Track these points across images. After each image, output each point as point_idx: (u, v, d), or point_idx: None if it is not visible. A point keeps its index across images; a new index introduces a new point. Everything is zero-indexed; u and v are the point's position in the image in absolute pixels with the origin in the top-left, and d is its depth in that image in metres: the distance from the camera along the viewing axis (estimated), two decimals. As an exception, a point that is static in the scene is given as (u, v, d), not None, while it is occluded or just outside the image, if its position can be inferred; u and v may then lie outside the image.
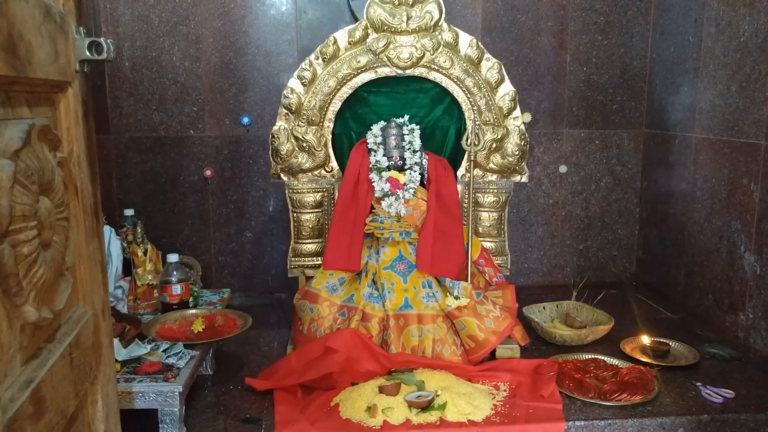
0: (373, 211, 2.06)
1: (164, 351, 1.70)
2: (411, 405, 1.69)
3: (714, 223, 2.36)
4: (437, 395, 1.72)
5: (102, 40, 1.16)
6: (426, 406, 1.68)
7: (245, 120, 2.64)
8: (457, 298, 1.92)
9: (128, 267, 2.25)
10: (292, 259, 2.19)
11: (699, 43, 2.42)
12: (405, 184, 2.02)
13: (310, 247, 2.20)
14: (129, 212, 2.40)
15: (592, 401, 1.78)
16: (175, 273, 2.04)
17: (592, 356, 2.04)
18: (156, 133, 2.63)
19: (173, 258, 2.05)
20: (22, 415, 0.83)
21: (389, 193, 2.01)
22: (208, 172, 2.66)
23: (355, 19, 2.56)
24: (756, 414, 1.74)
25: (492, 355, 2.00)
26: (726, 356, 2.09)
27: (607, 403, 1.77)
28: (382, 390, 1.73)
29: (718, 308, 2.34)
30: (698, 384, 1.88)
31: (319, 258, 2.17)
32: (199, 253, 2.70)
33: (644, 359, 2.03)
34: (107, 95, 2.59)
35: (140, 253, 2.21)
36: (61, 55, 1.05)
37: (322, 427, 1.62)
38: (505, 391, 1.83)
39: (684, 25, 2.53)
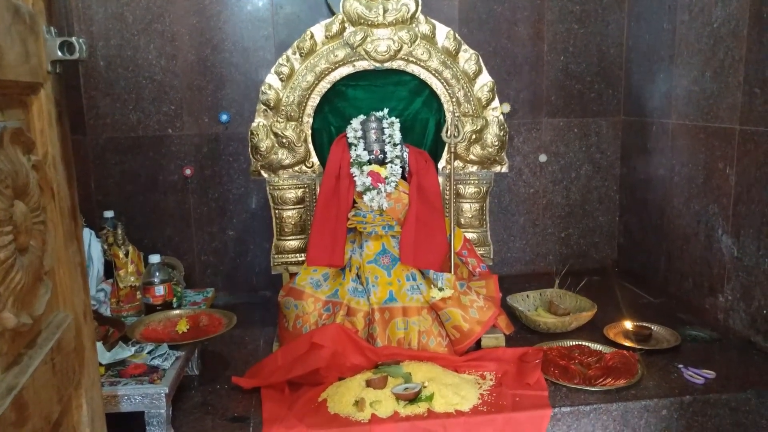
0: (355, 205, 2.06)
1: (149, 353, 1.69)
2: (398, 397, 1.69)
3: (692, 207, 2.39)
4: (424, 387, 1.73)
5: (74, 39, 1.14)
6: (413, 398, 1.69)
7: (224, 117, 2.62)
8: (441, 289, 1.93)
9: (110, 269, 2.23)
10: (275, 256, 2.19)
11: (673, 30, 2.44)
12: (386, 178, 2.02)
13: (293, 243, 2.19)
14: (109, 214, 2.37)
15: (578, 387, 1.80)
16: (157, 274, 2.02)
17: (577, 343, 2.07)
18: (134, 133, 2.60)
19: (155, 259, 2.03)
20: (5, 423, 0.82)
21: (371, 187, 2.01)
22: (188, 171, 2.63)
23: (332, 14, 2.54)
24: (737, 393, 1.78)
25: (477, 345, 2.01)
26: (706, 338, 2.13)
27: (592, 389, 1.79)
28: (369, 384, 1.73)
29: (697, 291, 2.38)
30: (680, 366, 1.92)
31: (303, 254, 2.17)
32: (181, 253, 2.68)
33: (627, 344, 2.06)
34: (83, 95, 2.55)
35: (121, 255, 2.18)
36: (32, 56, 1.04)
37: (310, 423, 1.62)
38: (491, 380, 1.85)
39: (658, 13, 2.55)
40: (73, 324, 1.16)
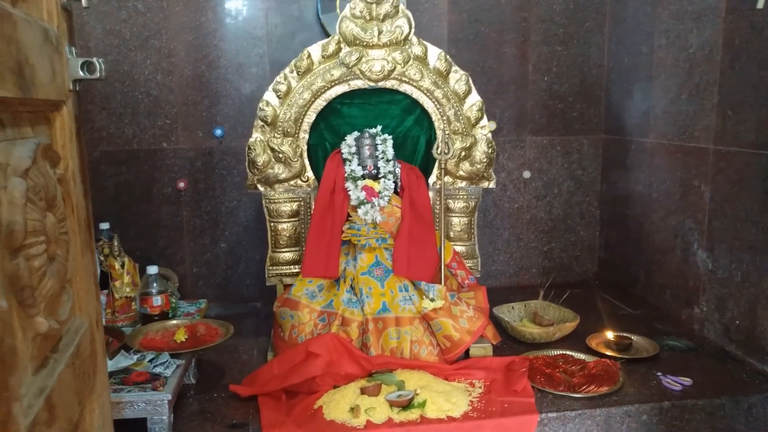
0: (349, 218, 2.13)
1: (150, 361, 1.74)
2: (392, 404, 1.76)
3: (669, 222, 2.50)
4: (417, 394, 1.80)
5: (95, 60, 1.21)
6: (406, 405, 1.75)
7: (218, 132, 2.68)
8: (432, 300, 2.00)
9: (105, 280, 2.27)
10: (270, 267, 2.24)
11: (651, 53, 2.57)
12: (380, 192, 2.10)
13: (287, 255, 2.25)
14: (104, 226, 2.41)
15: (563, 394, 1.88)
16: (155, 284, 2.06)
17: (561, 352, 2.15)
18: (129, 147, 2.65)
19: (153, 270, 2.08)
20: (39, 422, 0.88)
21: (365, 201, 2.08)
22: (181, 184, 2.68)
23: (325, 33, 2.63)
24: (712, 399, 1.87)
25: (466, 354, 2.09)
26: (683, 347, 2.23)
27: (577, 395, 1.87)
28: (363, 391, 1.79)
29: (675, 303, 2.49)
30: (659, 374, 2.01)
31: (297, 266, 2.23)
32: (174, 265, 2.72)
33: (609, 353, 2.15)
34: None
35: (117, 266, 2.22)
36: (57, 75, 1.10)
37: (308, 429, 1.68)
38: (480, 387, 1.92)
39: (637, 37, 2.68)
40: (89, 330, 1.21)
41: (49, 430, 0.93)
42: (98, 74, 1.21)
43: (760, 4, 1.92)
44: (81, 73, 1.20)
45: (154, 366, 1.71)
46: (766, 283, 2.00)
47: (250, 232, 2.79)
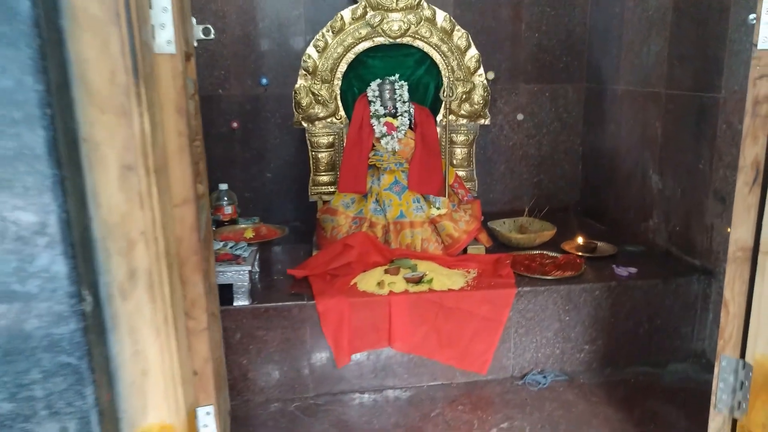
0: (374, 147, 2.72)
1: (231, 248, 2.36)
2: (408, 281, 2.38)
3: (632, 154, 3.07)
4: (425, 274, 2.42)
5: (209, 26, 1.80)
6: (418, 281, 2.38)
7: (263, 81, 3.25)
8: (438, 208, 2.62)
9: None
10: (312, 188, 2.85)
11: (622, 14, 3.09)
12: (398, 127, 2.68)
13: (324, 178, 2.85)
14: (177, 156, 3.01)
15: (537, 276, 2.49)
16: (226, 198, 2.68)
17: (539, 252, 2.76)
18: (191, 93, 3.23)
19: (224, 186, 2.69)
20: (202, 239, 1.49)
21: (386, 134, 2.67)
22: (234, 124, 3.28)
23: (351, -2, 3.17)
24: (649, 281, 2.48)
25: (464, 252, 2.70)
26: (637, 250, 2.83)
27: (547, 277, 2.48)
28: (387, 272, 2.42)
29: (635, 219, 3.08)
30: (613, 266, 2.61)
31: (332, 186, 2.84)
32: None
33: (578, 253, 2.75)
34: (150, 63, 3.17)
35: (192, 187, 2.84)
36: (190, 36, 1.69)
37: (347, 294, 2.31)
38: (474, 273, 2.53)
39: (611, 0, 3.20)
40: (208, 208, 1.84)
41: (207, 252, 1.56)
42: (212, 36, 1.80)
43: (697, -24, 2.45)
44: (201, 35, 1.79)
45: (235, 250, 2.33)
46: (696, 197, 2.58)
47: (290, 164, 3.39)
